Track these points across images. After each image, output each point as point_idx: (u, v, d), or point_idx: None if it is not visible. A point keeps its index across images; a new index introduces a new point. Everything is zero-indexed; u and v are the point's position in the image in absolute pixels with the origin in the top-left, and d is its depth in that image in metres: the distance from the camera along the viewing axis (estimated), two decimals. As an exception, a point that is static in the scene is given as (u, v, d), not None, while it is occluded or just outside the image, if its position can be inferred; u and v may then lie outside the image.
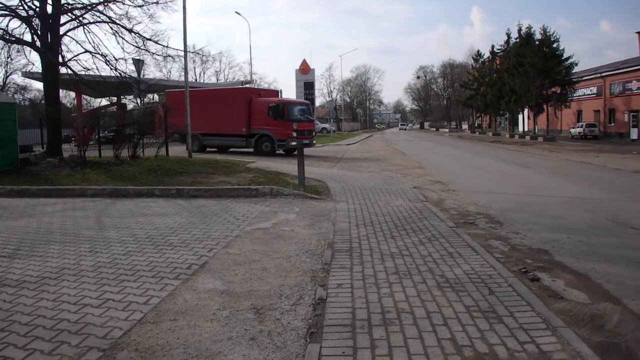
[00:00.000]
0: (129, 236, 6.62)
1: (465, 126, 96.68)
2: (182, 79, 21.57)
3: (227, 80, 77.01)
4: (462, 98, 74.37)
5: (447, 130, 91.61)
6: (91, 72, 15.88)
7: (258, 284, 4.85)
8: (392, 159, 22.28)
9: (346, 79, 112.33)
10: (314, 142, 23.87)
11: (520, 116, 59.42)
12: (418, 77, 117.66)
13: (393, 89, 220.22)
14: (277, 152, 22.55)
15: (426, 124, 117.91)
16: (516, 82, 45.89)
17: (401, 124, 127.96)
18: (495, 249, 6.28)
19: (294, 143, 21.76)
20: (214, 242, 6.38)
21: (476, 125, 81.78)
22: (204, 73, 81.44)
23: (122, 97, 32.06)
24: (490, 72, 59.80)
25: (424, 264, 5.46)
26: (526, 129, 56.18)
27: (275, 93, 26.49)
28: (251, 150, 22.62)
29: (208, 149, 23.92)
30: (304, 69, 42.13)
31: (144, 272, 5.20)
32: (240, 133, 22.53)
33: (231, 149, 23.47)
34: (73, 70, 15.82)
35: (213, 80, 77.46)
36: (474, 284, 4.82)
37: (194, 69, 79.71)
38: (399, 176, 14.48)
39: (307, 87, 41.27)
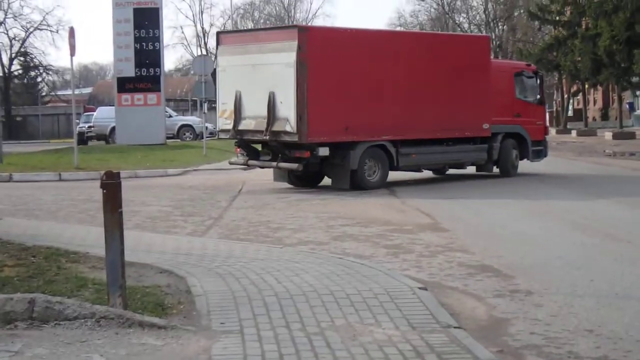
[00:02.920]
0: None
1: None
2: None
3: None
4: (535, 48, 54.12)
5: None
6: None
7: None
8: (363, 202, 16.49)
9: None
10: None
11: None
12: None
13: (362, 23, 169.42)
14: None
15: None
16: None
17: None
18: None
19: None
20: None
21: (568, 112, 59.84)
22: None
23: None
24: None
25: None
26: None
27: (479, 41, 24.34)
28: (481, 169, 20.19)
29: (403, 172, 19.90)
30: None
31: None
32: (471, 135, 19.44)
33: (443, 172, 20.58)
34: None
35: None
36: None
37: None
38: (380, 253, 11.41)
39: (141, 22, 32.73)
